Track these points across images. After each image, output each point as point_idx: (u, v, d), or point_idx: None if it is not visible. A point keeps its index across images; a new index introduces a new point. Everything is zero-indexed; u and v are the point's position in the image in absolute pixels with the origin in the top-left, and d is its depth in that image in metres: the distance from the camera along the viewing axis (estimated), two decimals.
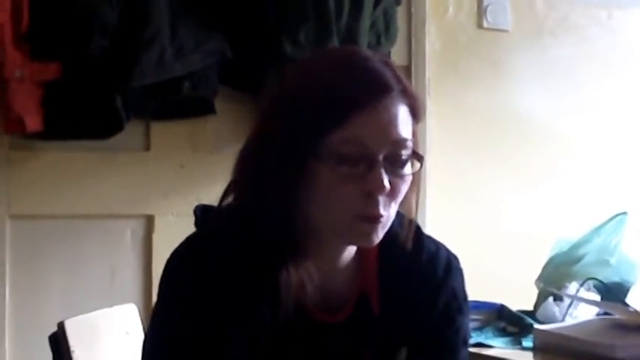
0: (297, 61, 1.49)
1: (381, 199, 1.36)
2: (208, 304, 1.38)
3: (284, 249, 1.39)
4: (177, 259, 1.43)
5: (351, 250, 1.46)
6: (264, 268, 1.38)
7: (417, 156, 1.39)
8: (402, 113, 1.37)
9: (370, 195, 1.35)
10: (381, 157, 1.35)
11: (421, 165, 1.41)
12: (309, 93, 1.37)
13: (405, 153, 1.38)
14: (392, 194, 1.37)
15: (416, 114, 1.40)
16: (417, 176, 1.42)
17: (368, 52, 1.44)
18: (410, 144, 1.38)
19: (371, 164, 1.34)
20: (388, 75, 1.38)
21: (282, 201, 1.38)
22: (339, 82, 1.36)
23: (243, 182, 1.43)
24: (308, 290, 1.40)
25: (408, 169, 1.39)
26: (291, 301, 1.38)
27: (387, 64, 1.40)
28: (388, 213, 1.38)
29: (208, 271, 1.39)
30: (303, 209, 1.39)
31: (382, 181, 1.34)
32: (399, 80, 1.38)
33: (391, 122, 1.36)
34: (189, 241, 1.45)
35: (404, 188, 1.39)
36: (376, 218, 1.37)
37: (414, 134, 1.39)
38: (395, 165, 1.37)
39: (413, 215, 1.47)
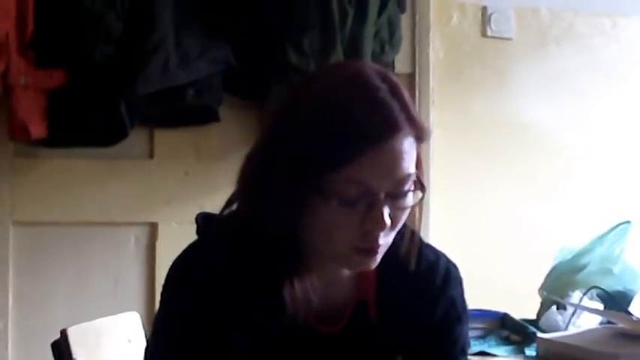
0: (305, 80, 1.45)
1: (381, 232, 1.35)
2: (209, 313, 1.38)
3: (288, 263, 1.39)
4: (179, 267, 1.43)
5: None
6: (267, 280, 1.38)
7: (420, 186, 1.38)
8: (407, 145, 1.34)
9: (370, 232, 1.34)
10: (382, 196, 1.33)
11: (423, 194, 1.38)
12: (314, 127, 1.33)
13: (408, 186, 1.36)
14: (392, 225, 1.35)
15: (421, 140, 1.37)
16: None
17: (375, 79, 1.36)
18: (413, 177, 1.36)
19: (372, 203, 1.33)
20: (396, 110, 1.34)
21: (284, 223, 1.37)
22: (345, 120, 1.32)
23: (246, 199, 1.43)
24: (313, 303, 1.40)
25: (409, 200, 1.37)
26: (299, 313, 1.38)
27: (395, 92, 1.36)
28: (387, 241, 1.38)
29: (209, 279, 1.39)
30: (304, 232, 1.39)
31: (383, 220, 1.33)
32: (406, 110, 1.35)
33: (396, 162, 1.33)
34: (190, 249, 1.45)
35: (404, 216, 1.38)
36: (374, 250, 1.36)
37: (417, 158, 1.37)
38: (396, 198, 1.35)
39: (416, 226, 1.47)
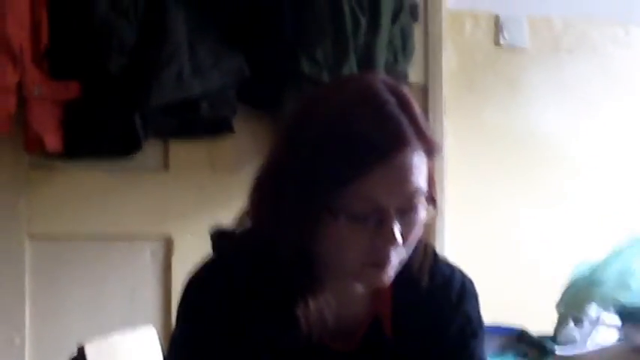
0: (314, 94, 1.45)
1: (392, 248, 1.35)
2: (223, 331, 1.38)
3: (302, 281, 1.38)
4: (193, 285, 1.44)
5: None
6: (281, 298, 1.38)
7: (431, 200, 1.37)
8: (417, 160, 1.33)
9: (381, 248, 1.34)
10: (392, 212, 1.32)
11: (435, 209, 1.37)
12: (322, 143, 1.33)
13: (418, 201, 1.35)
14: (404, 240, 1.35)
15: (431, 154, 1.36)
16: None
17: (385, 93, 1.35)
18: (423, 191, 1.35)
19: (382, 219, 1.32)
20: (404, 124, 1.33)
21: (296, 241, 1.36)
22: (353, 135, 1.31)
23: (257, 216, 1.42)
24: (328, 321, 1.39)
25: (420, 215, 1.36)
26: (314, 333, 1.38)
27: (404, 105, 1.35)
28: (400, 255, 1.37)
29: (223, 298, 1.39)
30: (318, 248, 1.38)
31: (393, 236, 1.33)
32: (415, 123, 1.34)
33: (405, 177, 1.32)
34: (204, 267, 1.45)
35: (417, 231, 1.37)
36: (386, 265, 1.36)
37: (429, 172, 1.36)
38: (407, 213, 1.34)
39: (430, 240, 1.46)
